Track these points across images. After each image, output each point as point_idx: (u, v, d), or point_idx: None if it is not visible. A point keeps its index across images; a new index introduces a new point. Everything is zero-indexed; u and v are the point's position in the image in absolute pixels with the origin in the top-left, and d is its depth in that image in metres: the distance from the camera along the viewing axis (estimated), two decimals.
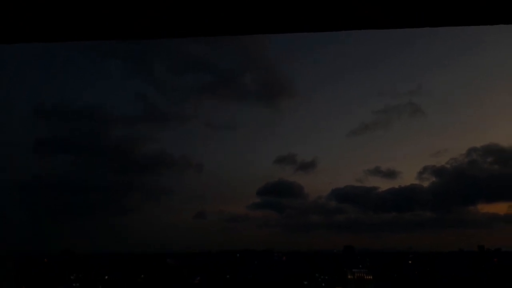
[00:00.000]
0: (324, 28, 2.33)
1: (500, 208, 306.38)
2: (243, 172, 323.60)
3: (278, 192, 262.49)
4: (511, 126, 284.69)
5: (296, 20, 2.25)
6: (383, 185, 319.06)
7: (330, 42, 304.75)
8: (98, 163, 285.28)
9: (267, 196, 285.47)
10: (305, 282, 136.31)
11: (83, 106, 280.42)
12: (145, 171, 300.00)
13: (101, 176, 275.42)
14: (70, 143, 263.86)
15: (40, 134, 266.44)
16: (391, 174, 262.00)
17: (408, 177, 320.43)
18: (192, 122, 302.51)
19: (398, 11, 2.22)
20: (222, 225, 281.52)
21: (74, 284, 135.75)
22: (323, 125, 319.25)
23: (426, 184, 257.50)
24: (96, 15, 2.15)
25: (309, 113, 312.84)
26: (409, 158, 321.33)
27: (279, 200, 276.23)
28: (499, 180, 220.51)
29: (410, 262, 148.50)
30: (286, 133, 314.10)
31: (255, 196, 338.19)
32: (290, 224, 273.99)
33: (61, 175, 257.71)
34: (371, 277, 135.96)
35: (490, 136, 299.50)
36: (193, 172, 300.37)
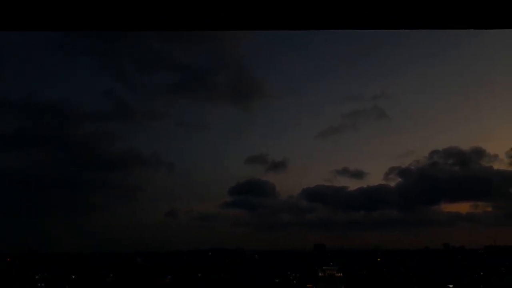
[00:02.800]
0: (317, 26, 2.33)
1: (462, 207, 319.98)
2: (215, 171, 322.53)
3: (249, 191, 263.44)
4: (469, 129, 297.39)
5: (292, 18, 2.22)
6: (351, 184, 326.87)
7: (300, 47, 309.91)
8: (65, 159, 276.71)
9: (238, 195, 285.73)
10: (277, 280, 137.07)
11: (50, 102, 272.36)
12: (114, 168, 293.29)
13: (68, 172, 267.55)
14: (36, 138, 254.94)
15: (3, 128, 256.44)
16: (358, 174, 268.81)
17: (375, 178, 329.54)
18: (163, 121, 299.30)
19: (394, 12, 2.25)
20: (193, 224, 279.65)
21: (39, 284, 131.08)
22: (293, 126, 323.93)
23: (393, 184, 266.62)
24: (94, 5, 2.14)
25: (279, 115, 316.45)
26: (375, 160, 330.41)
27: (251, 199, 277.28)
28: (460, 181, 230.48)
29: (379, 259, 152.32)
30: (256, 133, 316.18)
31: (227, 195, 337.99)
32: (261, 223, 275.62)
33: (26, 171, 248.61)
34: (341, 274, 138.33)
35: (451, 139, 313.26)
36: (164, 170, 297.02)
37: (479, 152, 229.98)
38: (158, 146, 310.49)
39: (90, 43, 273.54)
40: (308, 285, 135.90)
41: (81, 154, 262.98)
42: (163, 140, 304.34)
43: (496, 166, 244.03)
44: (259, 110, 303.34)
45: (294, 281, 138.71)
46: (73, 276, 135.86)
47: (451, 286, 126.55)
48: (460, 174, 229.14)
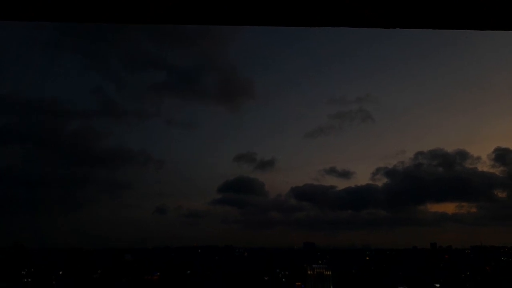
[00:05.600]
0: (310, 23, 2.36)
1: (448, 207, 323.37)
2: (204, 169, 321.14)
3: (238, 189, 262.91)
4: (453, 132, 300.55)
5: (285, 14, 2.26)
6: (338, 184, 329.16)
7: (288, 49, 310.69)
8: (52, 156, 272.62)
9: (227, 193, 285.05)
10: (266, 278, 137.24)
11: (38, 99, 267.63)
12: (103, 165, 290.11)
13: (56, 169, 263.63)
14: (23, 135, 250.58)
15: None
16: (345, 174, 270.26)
17: (361, 178, 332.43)
18: (153, 119, 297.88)
19: (387, 10, 2.27)
20: (182, 221, 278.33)
21: (25, 280, 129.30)
22: (281, 127, 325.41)
23: (380, 184, 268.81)
24: None
25: (267, 115, 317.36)
26: (362, 160, 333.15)
27: (240, 197, 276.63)
28: (445, 182, 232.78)
29: (367, 258, 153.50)
30: (245, 133, 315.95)
31: (216, 193, 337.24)
32: (251, 220, 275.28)
33: (13, 167, 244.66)
34: (330, 272, 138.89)
35: (435, 141, 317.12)
36: (153, 168, 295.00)
37: (463, 154, 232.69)
38: (147, 144, 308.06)
39: (79, 41, 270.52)
40: (297, 283, 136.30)
41: (69, 151, 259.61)
42: (152, 138, 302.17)
43: (479, 168, 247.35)
44: (248, 110, 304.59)
45: (283, 279, 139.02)
46: (60, 272, 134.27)
47: (437, 285, 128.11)
48: (445, 175, 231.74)
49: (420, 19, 2.33)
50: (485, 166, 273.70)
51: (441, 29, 2.44)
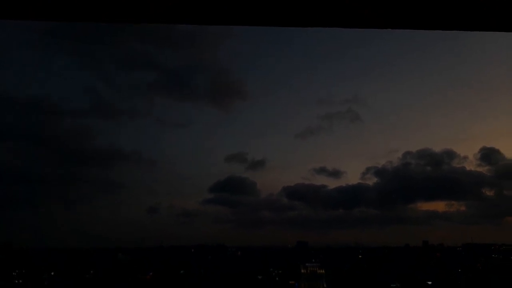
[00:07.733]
0: (304, 24, 2.36)
1: (438, 206, 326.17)
2: (195, 168, 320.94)
3: (230, 188, 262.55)
4: (441, 131, 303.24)
5: (281, 14, 2.25)
6: (329, 183, 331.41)
7: (279, 50, 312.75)
8: (45, 155, 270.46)
9: (219, 192, 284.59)
10: (259, 277, 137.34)
11: (30, 98, 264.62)
12: (95, 164, 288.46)
13: (49, 168, 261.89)
14: (16, 133, 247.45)
15: None
16: (336, 173, 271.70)
17: (351, 177, 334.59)
18: (145, 119, 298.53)
19: (390, 11, 2.26)
20: (175, 220, 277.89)
21: (16, 281, 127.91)
22: (271, 127, 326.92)
23: (370, 183, 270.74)
24: None
25: (259, 115, 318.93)
26: (351, 160, 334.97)
27: (232, 197, 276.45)
28: (434, 181, 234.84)
29: (360, 256, 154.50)
30: (236, 132, 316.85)
31: (208, 192, 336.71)
32: (243, 220, 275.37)
33: (5, 166, 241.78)
34: (323, 271, 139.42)
35: (422, 141, 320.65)
36: (145, 167, 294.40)
37: (450, 154, 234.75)
38: (139, 144, 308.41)
39: (71, 41, 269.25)
40: (290, 282, 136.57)
41: (61, 150, 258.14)
42: (144, 137, 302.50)
43: (467, 167, 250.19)
44: (240, 110, 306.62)
45: (277, 278, 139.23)
46: (52, 273, 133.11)
47: (430, 282, 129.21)
48: (434, 175, 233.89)
49: (419, 19, 2.31)
50: (472, 165, 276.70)
51: (440, 30, 2.41)
